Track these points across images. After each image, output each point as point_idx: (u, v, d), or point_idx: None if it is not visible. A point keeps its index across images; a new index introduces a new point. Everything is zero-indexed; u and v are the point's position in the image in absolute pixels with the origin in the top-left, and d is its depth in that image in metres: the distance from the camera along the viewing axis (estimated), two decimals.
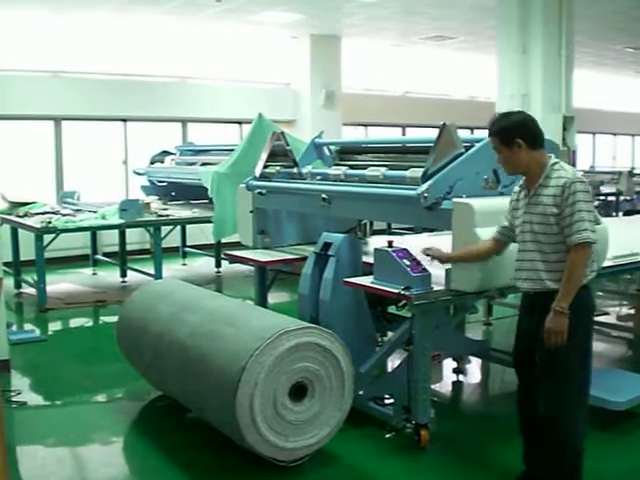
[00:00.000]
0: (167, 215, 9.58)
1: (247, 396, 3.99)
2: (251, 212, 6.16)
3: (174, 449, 4.66)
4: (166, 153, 11.43)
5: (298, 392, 4.23)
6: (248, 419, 4.02)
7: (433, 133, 4.72)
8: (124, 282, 10.03)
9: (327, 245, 5.07)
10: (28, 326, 7.94)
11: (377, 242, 4.66)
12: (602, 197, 13.70)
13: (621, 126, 20.89)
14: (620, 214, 12.77)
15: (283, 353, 4.10)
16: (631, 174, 14.11)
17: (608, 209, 13.38)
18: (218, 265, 10.88)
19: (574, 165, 14.71)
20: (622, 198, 14.05)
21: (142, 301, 5.45)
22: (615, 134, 21.41)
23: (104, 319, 8.47)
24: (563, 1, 10.49)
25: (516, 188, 3.94)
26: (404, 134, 16.29)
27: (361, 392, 4.82)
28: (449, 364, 6.04)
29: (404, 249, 4.51)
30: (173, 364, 4.71)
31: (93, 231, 10.32)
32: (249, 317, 4.63)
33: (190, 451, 4.62)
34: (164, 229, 9.51)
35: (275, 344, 4.08)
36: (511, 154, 3.71)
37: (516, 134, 3.67)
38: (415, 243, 5.07)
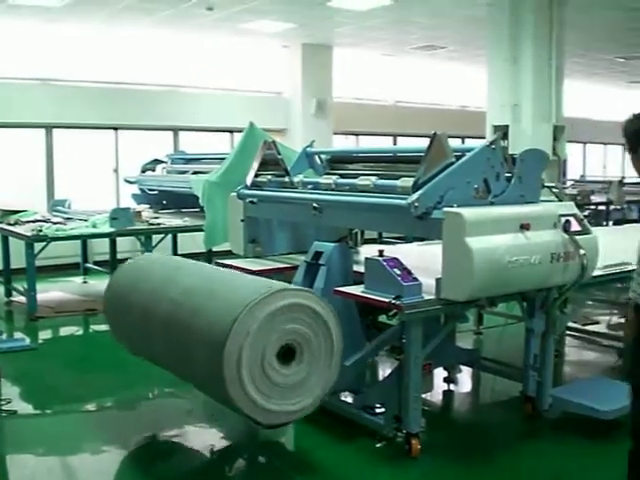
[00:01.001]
0: (158, 224, 9.56)
1: (236, 349, 3.89)
2: (242, 221, 6.15)
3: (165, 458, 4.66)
4: (157, 161, 11.42)
5: (287, 355, 4.15)
6: (234, 373, 3.92)
7: (424, 142, 4.74)
8: None
9: (318, 254, 5.07)
10: (18, 334, 7.91)
11: (368, 251, 4.67)
12: (592, 206, 13.74)
13: (611, 136, 20.71)
14: (610, 223, 12.82)
15: (277, 310, 4.03)
16: (621, 183, 14.16)
17: (598, 218, 13.44)
18: None
19: (564, 175, 14.83)
20: (612, 207, 14.10)
21: (135, 267, 5.37)
22: (605, 144, 21.48)
23: (94, 328, 8.44)
24: (553, 11, 10.55)
25: None
26: (395, 143, 16.31)
27: (351, 401, 4.83)
28: (440, 373, 6.05)
29: (395, 258, 4.51)
30: (161, 321, 4.59)
31: (84, 239, 10.31)
32: (246, 278, 4.64)
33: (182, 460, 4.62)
34: (155, 238, 9.50)
35: (270, 300, 4.01)
36: (635, 159, 3.41)
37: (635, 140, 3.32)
38: (406, 252, 5.08)
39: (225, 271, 5.05)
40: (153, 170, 11.30)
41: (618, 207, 14.12)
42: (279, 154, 6.16)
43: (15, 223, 9.16)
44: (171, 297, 4.59)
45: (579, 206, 5.39)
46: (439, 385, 6.00)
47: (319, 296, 4.32)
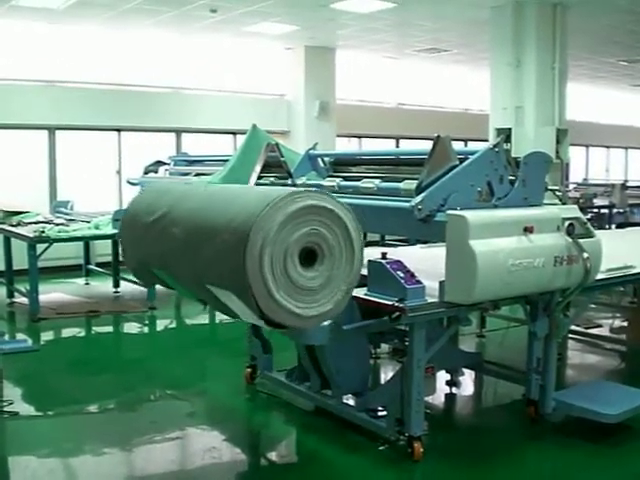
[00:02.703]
0: None
1: (259, 243, 3.86)
2: None
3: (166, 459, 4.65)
4: (160, 163, 11.41)
5: (308, 258, 4.11)
6: (257, 268, 3.85)
7: (427, 145, 4.73)
8: (117, 292, 10.01)
9: None
10: (20, 336, 7.91)
11: (371, 254, 4.66)
12: (595, 210, 13.73)
13: (614, 139, 20.96)
14: (613, 227, 12.80)
15: (297, 211, 3.99)
16: (624, 187, 14.16)
17: (601, 222, 13.42)
18: None
19: (567, 178, 14.81)
20: (615, 210, 14.10)
21: (153, 188, 5.38)
22: (608, 147, 21.48)
23: (96, 329, 8.44)
24: (557, 15, 10.58)
25: None
26: (398, 146, 16.30)
27: (353, 404, 4.82)
28: (442, 376, 6.04)
29: (398, 261, 4.50)
30: (182, 226, 4.52)
31: (86, 241, 10.30)
32: (266, 187, 4.78)
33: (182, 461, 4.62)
34: None
35: (291, 201, 3.99)
36: None
37: None
38: (409, 255, 5.07)
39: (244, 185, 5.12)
40: (156, 172, 11.28)
41: (621, 210, 14.11)
42: (282, 156, 6.15)
43: (17, 224, 9.17)
44: (190, 206, 4.59)
45: (582, 209, 5.38)
46: (442, 388, 5.98)
47: (337, 199, 4.25)
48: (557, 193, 5.35)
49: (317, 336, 4.57)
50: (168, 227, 4.59)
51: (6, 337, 7.51)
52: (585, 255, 4.64)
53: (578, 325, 7.60)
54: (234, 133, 13.94)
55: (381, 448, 4.70)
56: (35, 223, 9.07)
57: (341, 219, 4.13)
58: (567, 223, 4.67)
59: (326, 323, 4.45)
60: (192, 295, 4.82)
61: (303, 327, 4.19)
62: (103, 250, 10.92)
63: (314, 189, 4.27)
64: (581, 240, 4.66)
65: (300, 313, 3.99)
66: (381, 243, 11.20)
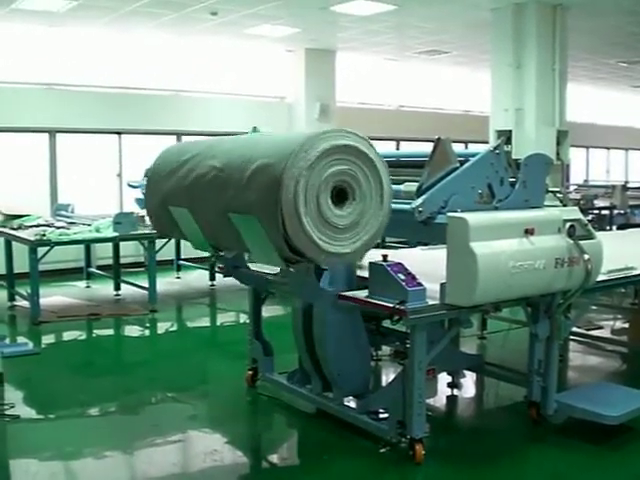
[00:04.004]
0: None
1: (293, 177, 4.02)
2: None
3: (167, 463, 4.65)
4: None
5: (339, 197, 4.26)
6: (291, 207, 4.03)
7: (427, 147, 4.73)
8: (118, 295, 10.01)
9: None
10: (21, 339, 7.91)
11: (372, 256, 4.66)
12: (596, 211, 13.73)
13: (615, 140, 20.96)
14: (614, 228, 12.80)
15: (329, 149, 4.14)
16: (625, 188, 14.15)
17: (602, 223, 13.41)
18: (212, 278, 10.85)
19: (567, 179, 14.82)
20: (616, 212, 14.09)
21: (187, 141, 5.52)
22: (609, 148, 21.48)
23: (97, 332, 8.44)
24: (557, 16, 10.58)
25: None
26: (398, 148, 16.31)
27: (355, 406, 4.81)
28: (444, 378, 6.03)
29: (399, 263, 4.50)
30: (219, 161, 4.67)
31: (87, 244, 10.30)
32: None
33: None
34: (158, 242, 9.49)
35: (318, 141, 4.15)
36: None
37: None
38: (410, 257, 5.07)
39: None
40: None
41: (622, 211, 14.10)
42: None
43: (18, 227, 9.17)
44: (228, 146, 4.79)
45: (582, 211, 5.37)
46: (443, 390, 5.98)
47: (365, 138, 4.39)
48: (558, 195, 5.34)
49: (319, 296, 4.72)
50: (203, 161, 4.78)
51: (7, 340, 7.51)
52: (586, 257, 4.63)
53: (579, 327, 7.60)
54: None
55: (383, 450, 4.69)
56: (36, 226, 9.07)
57: (368, 157, 4.32)
58: (568, 225, 4.66)
59: (331, 289, 4.62)
60: (202, 241, 5.02)
61: (318, 261, 4.29)
62: (104, 253, 10.93)
63: (341, 127, 4.43)
64: (582, 242, 4.66)
65: (321, 245, 4.17)
66: (381, 245, 11.18)
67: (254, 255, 4.49)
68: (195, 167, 4.83)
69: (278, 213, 4.03)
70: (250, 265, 5.62)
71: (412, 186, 4.65)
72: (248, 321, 6.17)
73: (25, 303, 8.85)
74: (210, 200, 4.66)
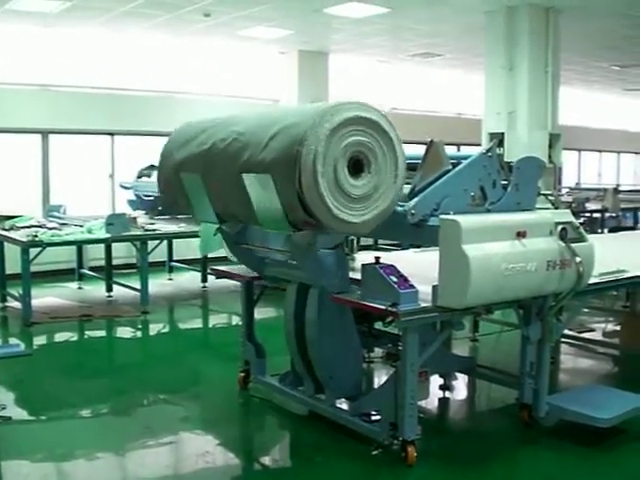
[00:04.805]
0: (154, 230, 9.54)
1: (314, 142, 4.05)
2: None
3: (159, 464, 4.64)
4: (153, 167, 11.36)
5: (355, 168, 4.27)
6: (310, 164, 4.05)
7: (420, 150, 4.74)
8: (110, 297, 9.98)
9: None
10: (13, 340, 7.90)
11: (364, 258, 4.66)
12: (588, 214, 13.77)
13: (607, 143, 21.03)
14: (606, 231, 12.84)
15: (345, 121, 4.18)
16: (616, 191, 14.19)
17: (594, 226, 13.45)
18: (204, 280, 10.84)
19: (560, 182, 14.84)
20: (607, 215, 14.12)
21: (200, 119, 5.47)
22: (601, 151, 21.54)
23: (89, 334, 8.42)
24: (549, 19, 10.62)
25: None
26: None
27: (347, 408, 4.81)
28: (436, 380, 6.04)
29: (391, 265, 4.51)
30: (242, 127, 4.71)
31: (79, 245, 10.27)
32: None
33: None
34: (150, 243, 9.48)
35: (344, 109, 4.22)
36: None
37: None
38: (402, 259, 5.07)
39: None
40: (149, 176, 11.26)
41: (613, 214, 14.14)
42: None
43: (10, 228, 9.13)
44: (249, 115, 4.86)
45: (574, 213, 5.39)
46: (435, 392, 5.99)
47: (380, 110, 4.45)
48: (550, 197, 5.36)
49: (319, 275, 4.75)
50: (225, 128, 4.83)
51: None
52: (578, 259, 4.65)
53: (571, 329, 7.62)
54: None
55: (375, 452, 4.69)
56: (28, 227, 9.03)
57: (383, 128, 4.36)
58: (560, 227, 4.68)
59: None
60: (208, 213, 5.15)
61: (326, 224, 4.26)
62: (96, 254, 10.89)
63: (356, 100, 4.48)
64: (574, 244, 4.67)
65: (332, 209, 4.15)
66: (374, 247, 11.20)
67: (261, 219, 4.47)
68: (215, 133, 4.87)
69: (296, 168, 4.05)
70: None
71: (405, 188, 4.66)
72: (240, 323, 6.17)
73: (17, 304, 8.81)
74: (225, 163, 4.69)
